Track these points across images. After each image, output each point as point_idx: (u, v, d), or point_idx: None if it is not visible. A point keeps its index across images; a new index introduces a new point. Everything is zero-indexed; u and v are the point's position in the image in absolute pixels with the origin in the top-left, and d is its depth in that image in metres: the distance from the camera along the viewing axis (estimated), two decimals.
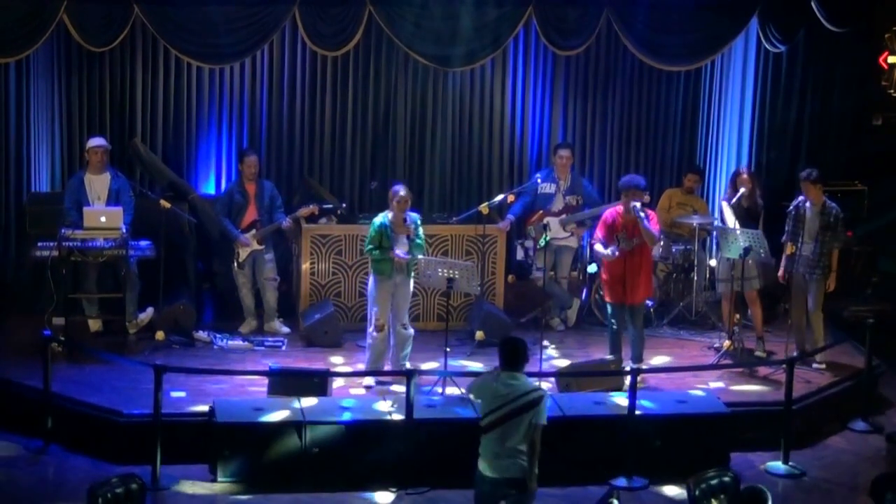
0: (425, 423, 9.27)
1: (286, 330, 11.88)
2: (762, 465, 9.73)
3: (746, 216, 11.48)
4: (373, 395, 10.13)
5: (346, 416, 9.37)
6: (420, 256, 10.54)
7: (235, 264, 11.81)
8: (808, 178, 11.13)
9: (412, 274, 10.60)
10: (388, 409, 9.49)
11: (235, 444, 9.10)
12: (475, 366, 10.92)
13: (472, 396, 7.95)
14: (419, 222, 10.59)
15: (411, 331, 10.65)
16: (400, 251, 10.39)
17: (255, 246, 11.76)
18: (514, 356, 7.48)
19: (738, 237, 11.17)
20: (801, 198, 11.31)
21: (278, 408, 9.40)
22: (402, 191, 10.48)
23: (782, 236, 11.34)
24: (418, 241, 10.50)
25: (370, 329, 10.54)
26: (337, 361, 11.11)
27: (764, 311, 11.72)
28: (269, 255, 11.87)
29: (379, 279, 10.44)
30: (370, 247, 10.45)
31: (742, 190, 11.72)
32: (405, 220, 10.44)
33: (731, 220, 11.50)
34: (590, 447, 9.42)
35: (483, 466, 7.49)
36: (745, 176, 11.62)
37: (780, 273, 11.30)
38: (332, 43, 12.42)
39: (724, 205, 11.68)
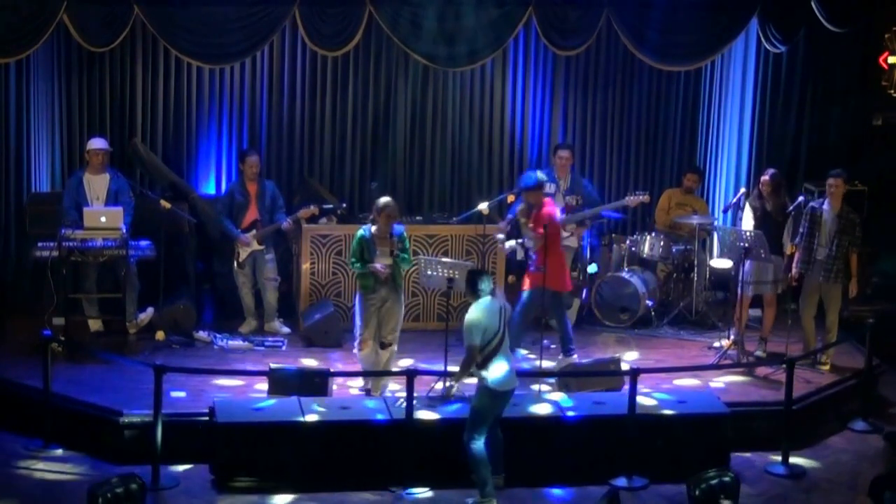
0: (425, 423, 9.26)
1: (286, 330, 11.88)
2: (762, 465, 9.72)
3: (765, 219, 11.37)
4: (372, 396, 10.12)
5: (347, 416, 9.36)
6: (405, 268, 10.32)
7: (236, 264, 11.81)
8: (840, 176, 11.06)
9: (401, 289, 10.26)
10: (388, 408, 9.47)
11: (235, 444, 9.10)
12: None
13: (474, 334, 8.69)
14: (405, 235, 10.25)
15: (392, 350, 10.28)
16: (380, 264, 10.03)
17: (255, 246, 11.76)
18: (482, 282, 8.81)
19: (738, 238, 11.15)
20: (801, 198, 11.30)
21: (278, 408, 9.40)
22: (392, 203, 10.06)
23: (795, 238, 11.26)
24: (404, 255, 10.14)
25: (354, 344, 10.29)
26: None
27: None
28: (270, 255, 11.87)
29: (363, 294, 10.12)
30: (352, 260, 10.14)
31: (742, 189, 11.70)
32: (391, 234, 10.09)
33: (748, 223, 11.44)
34: (590, 447, 9.41)
35: (504, 382, 8.74)
36: (763, 178, 11.50)
37: (793, 273, 11.25)
38: (332, 43, 12.42)
39: (747, 205, 11.63)
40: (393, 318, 10.21)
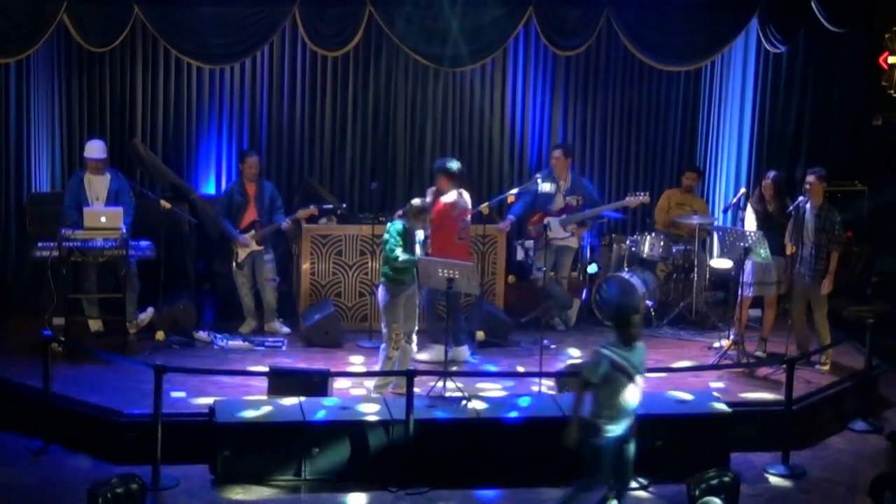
0: (425, 423, 9.27)
1: (286, 330, 11.87)
2: (762, 465, 9.73)
3: (767, 221, 11.36)
4: (372, 396, 10.11)
5: (347, 416, 9.36)
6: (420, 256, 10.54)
7: (234, 265, 11.81)
8: (816, 174, 11.09)
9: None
10: (388, 409, 9.47)
11: (235, 444, 9.10)
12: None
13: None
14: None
15: (415, 346, 10.44)
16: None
17: (254, 246, 11.76)
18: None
19: (738, 238, 11.16)
20: (801, 198, 11.31)
21: (278, 408, 9.40)
22: (429, 209, 10.39)
23: (792, 237, 11.26)
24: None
25: (386, 346, 10.19)
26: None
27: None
28: (269, 255, 11.86)
29: (398, 289, 10.12)
30: (399, 251, 10.06)
31: (742, 189, 11.68)
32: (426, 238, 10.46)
33: (750, 224, 11.44)
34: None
35: None
36: (765, 181, 11.50)
37: (788, 273, 11.27)
38: (332, 43, 12.42)
39: (749, 207, 11.63)
40: (415, 311, 10.35)
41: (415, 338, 10.38)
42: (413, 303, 10.33)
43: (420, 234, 10.37)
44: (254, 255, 11.80)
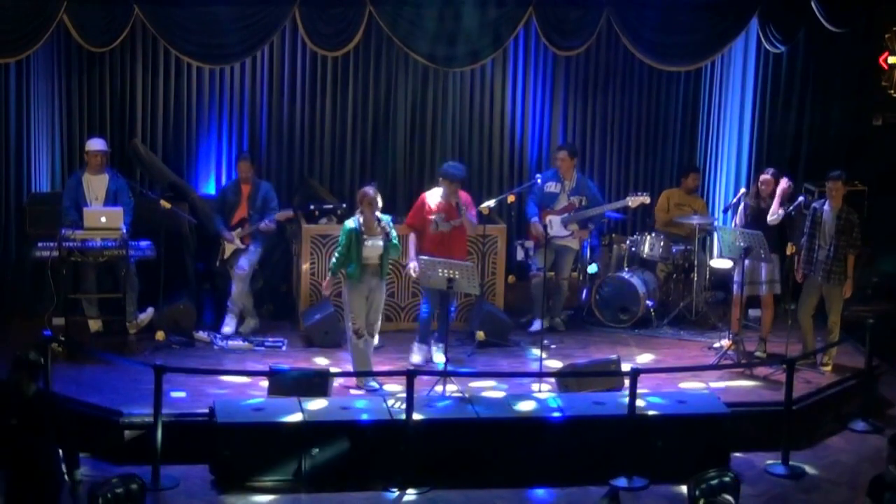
0: (425, 423, 9.27)
1: (254, 322, 11.81)
2: (762, 465, 9.73)
3: (758, 218, 11.34)
4: (372, 396, 10.12)
5: (347, 416, 9.36)
6: (394, 256, 10.62)
7: (218, 262, 11.81)
8: (839, 178, 11.05)
9: (386, 279, 10.52)
10: (388, 409, 9.48)
11: (235, 444, 9.10)
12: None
13: None
14: (392, 224, 10.46)
15: (376, 341, 10.50)
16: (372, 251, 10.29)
17: (239, 244, 11.74)
18: None
19: (738, 237, 11.16)
20: (801, 198, 11.31)
21: (278, 408, 9.40)
22: (371, 191, 10.32)
23: (801, 238, 11.25)
24: (394, 242, 10.36)
25: (349, 334, 10.43)
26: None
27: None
28: (253, 247, 11.76)
29: (352, 284, 10.30)
30: (339, 251, 10.28)
31: (742, 189, 11.64)
32: (379, 222, 10.31)
33: (739, 217, 11.43)
34: (590, 447, 9.41)
35: None
36: (764, 177, 11.48)
37: (798, 275, 11.27)
38: (332, 43, 12.42)
39: (743, 202, 11.62)
40: (377, 306, 10.38)
41: (377, 334, 10.46)
42: (376, 296, 10.37)
43: (392, 232, 10.36)
44: (239, 252, 11.79)
